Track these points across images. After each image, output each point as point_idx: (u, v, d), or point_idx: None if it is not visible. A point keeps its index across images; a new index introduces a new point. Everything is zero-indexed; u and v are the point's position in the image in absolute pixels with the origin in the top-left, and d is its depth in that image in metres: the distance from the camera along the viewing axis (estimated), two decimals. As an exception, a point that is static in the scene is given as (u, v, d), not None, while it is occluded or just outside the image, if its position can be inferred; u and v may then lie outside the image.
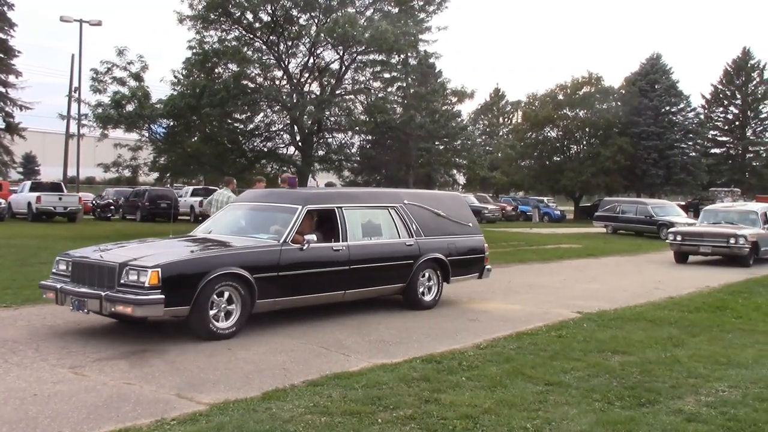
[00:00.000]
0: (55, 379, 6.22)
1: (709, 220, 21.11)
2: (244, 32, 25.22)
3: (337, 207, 9.61)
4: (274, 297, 8.49)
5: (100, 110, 23.27)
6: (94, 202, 37.75)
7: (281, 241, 8.67)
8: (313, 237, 8.85)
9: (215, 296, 7.86)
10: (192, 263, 7.93)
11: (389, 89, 28.49)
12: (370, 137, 30.52)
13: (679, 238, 19.86)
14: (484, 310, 10.53)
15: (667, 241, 20.43)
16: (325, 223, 9.70)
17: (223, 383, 6.24)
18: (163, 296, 7.42)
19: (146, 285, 7.39)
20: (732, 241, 18.72)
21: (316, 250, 8.96)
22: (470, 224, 11.57)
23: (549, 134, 55.11)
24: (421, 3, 26.61)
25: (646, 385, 6.35)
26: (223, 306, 7.96)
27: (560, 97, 53.22)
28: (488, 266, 11.69)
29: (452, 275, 10.84)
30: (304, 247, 8.71)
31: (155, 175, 28.08)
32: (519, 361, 7.15)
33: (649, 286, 14.10)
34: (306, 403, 5.61)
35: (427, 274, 10.51)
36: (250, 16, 24.65)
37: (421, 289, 10.40)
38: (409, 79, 28.61)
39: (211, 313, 7.83)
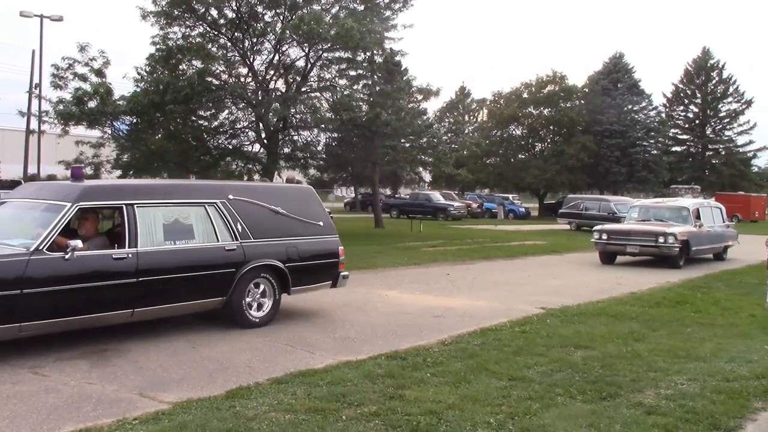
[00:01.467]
0: (15, 380, 6.12)
1: (639, 217, 19.59)
2: (208, 29, 24.99)
3: (126, 204, 7.70)
4: (17, 321, 6.63)
5: (61, 107, 22.93)
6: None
7: (32, 249, 6.81)
8: (78, 243, 7.02)
9: None
10: None
11: (355, 87, 28.48)
12: (336, 135, 30.48)
13: (604, 236, 18.14)
14: (449, 307, 10.58)
15: (592, 240, 18.71)
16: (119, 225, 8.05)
17: (186, 382, 6.20)
18: None
19: None
20: (661, 240, 17.18)
21: (88, 259, 7.17)
22: (321, 223, 9.68)
23: (514, 132, 55.67)
24: (387, 1, 26.62)
25: (608, 379, 6.45)
26: None
27: (525, 95, 53.75)
28: (344, 272, 9.91)
29: (293, 285, 9.07)
30: (67, 256, 6.92)
31: (118, 172, 27.72)
32: (483, 357, 7.21)
33: (611, 281, 14.30)
34: (270, 400, 5.60)
35: (255, 285, 8.72)
36: (214, 12, 24.44)
37: (248, 303, 8.60)
38: (375, 76, 28.60)
39: None
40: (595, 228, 18.87)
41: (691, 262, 18.34)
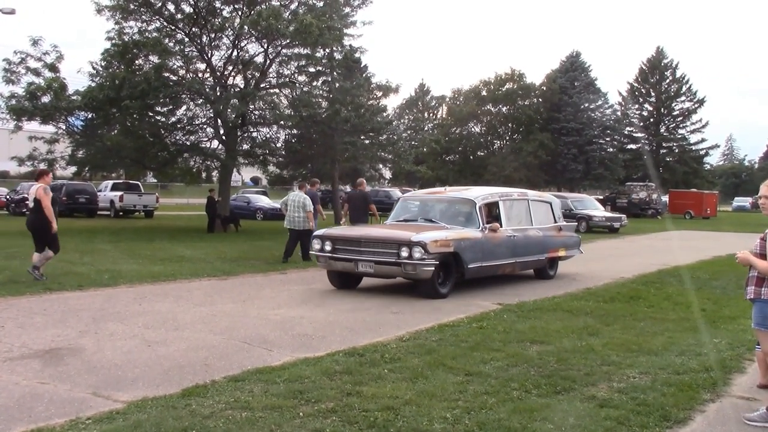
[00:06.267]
0: (-36, 381, 5.98)
1: (405, 214, 13.17)
2: (165, 23, 24.71)
3: None
4: None
5: (13, 102, 22.52)
6: (8, 197, 36.50)
7: None
8: None
9: None
10: None
11: (314, 83, 28.43)
12: (295, 131, 30.36)
13: (327, 246, 11.55)
14: (408, 303, 10.63)
15: (312, 252, 12.24)
16: None
17: (141, 381, 6.12)
18: None
19: None
20: (404, 253, 10.69)
21: None
22: None
23: (473, 129, 56.21)
24: (346, -3, 26.66)
25: (562, 373, 6.54)
26: None
27: (484, 92, 54.29)
28: None
29: None
30: None
31: (73, 169, 27.28)
32: (440, 353, 7.25)
33: (567, 277, 14.49)
34: (227, 398, 5.56)
35: None
36: (171, 6, 24.19)
37: None
38: (335, 73, 28.56)
39: None
40: (316, 234, 12.21)
41: (509, 281, 13.28)
